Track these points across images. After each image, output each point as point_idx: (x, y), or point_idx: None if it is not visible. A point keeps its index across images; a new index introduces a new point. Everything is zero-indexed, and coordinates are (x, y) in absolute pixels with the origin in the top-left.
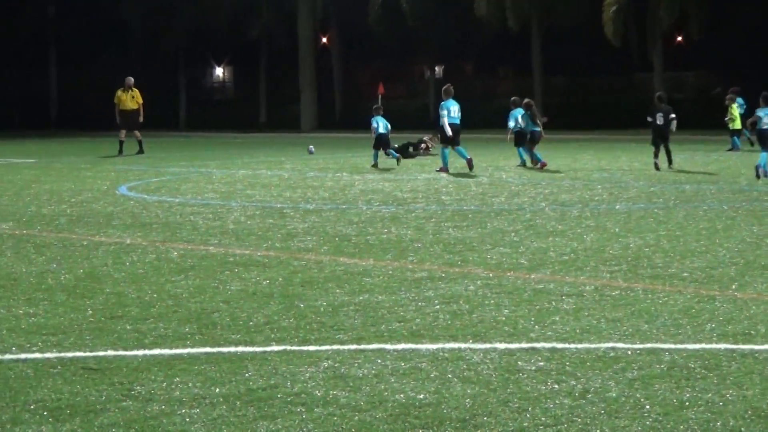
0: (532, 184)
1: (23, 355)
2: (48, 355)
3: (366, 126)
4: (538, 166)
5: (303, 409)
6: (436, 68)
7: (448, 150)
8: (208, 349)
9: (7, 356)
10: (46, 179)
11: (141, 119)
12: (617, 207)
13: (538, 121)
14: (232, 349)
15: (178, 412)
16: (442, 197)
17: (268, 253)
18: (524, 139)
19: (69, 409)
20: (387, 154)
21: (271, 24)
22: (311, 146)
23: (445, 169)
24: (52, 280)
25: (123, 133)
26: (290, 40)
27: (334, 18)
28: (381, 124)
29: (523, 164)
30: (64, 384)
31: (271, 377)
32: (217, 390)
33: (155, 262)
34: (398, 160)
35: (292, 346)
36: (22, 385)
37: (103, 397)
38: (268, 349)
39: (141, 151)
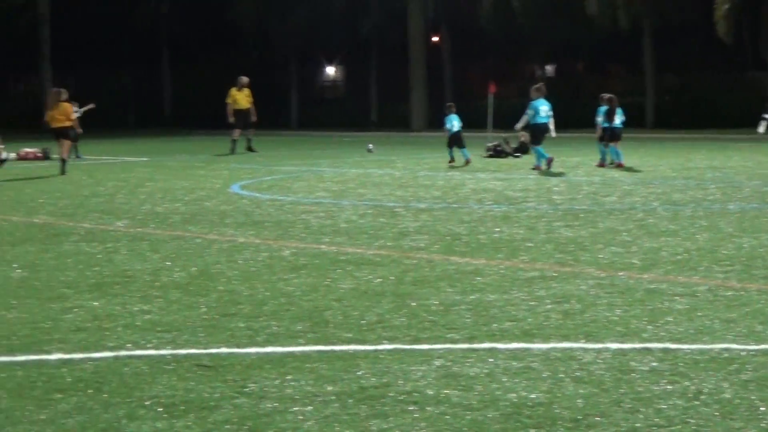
0: (644, 183)
1: (138, 352)
2: (162, 351)
3: (476, 125)
4: (614, 164)
5: (415, 408)
6: (547, 67)
7: (541, 147)
8: (320, 347)
9: (123, 352)
10: (159, 177)
11: (254, 118)
12: (730, 207)
13: (616, 118)
14: (344, 347)
15: (291, 410)
16: (553, 196)
17: (379, 252)
18: (612, 136)
19: (183, 405)
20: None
21: (382, 22)
22: (370, 144)
23: (545, 162)
24: (166, 277)
25: (237, 132)
26: (401, 39)
27: (444, 16)
28: (455, 123)
29: (610, 162)
30: (178, 380)
31: (383, 375)
32: (330, 388)
33: (268, 260)
34: (467, 161)
35: (403, 344)
36: (137, 381)
37: (217, 394)
38: (380, 347)
39: (253, 150)
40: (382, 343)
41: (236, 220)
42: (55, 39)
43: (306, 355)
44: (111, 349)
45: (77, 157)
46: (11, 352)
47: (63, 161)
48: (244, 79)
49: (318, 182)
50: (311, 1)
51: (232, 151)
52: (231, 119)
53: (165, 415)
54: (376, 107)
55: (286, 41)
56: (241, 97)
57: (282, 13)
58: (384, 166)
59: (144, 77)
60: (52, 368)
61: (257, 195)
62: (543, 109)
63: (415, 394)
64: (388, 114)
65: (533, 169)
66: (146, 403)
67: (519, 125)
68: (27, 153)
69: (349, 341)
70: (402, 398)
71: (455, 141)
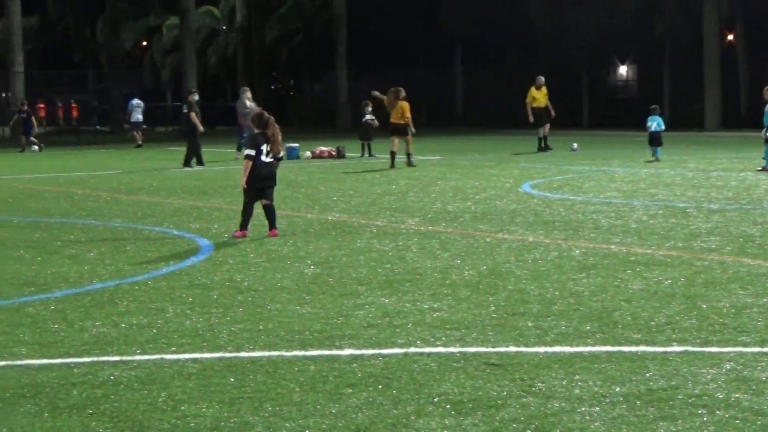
0: None
1: (427, 349)
2: (451, 349)
3: None
4: None
5: (704, 411)
6: None
7: None
8: (608, 348)
9: (412, 349)
10: (450, 176)
11: (553, 114)
12: None
13: None
14: (633, 348)
15: (578, 410)
16: None
17: (670, 253)
18: None
19: (471, 403)
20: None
21: (676, 22)
22: (575, 143)
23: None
24: (456, 275)
25: (542, 129)
26: (694, 38)
27: (740, 15)
28: (654, 123)
29: None
30: (466, 378)
31: (672, 378)
32: (617, 389)
33: (557, 260)
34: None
35: (693, 347)
36: (426, 379)
37: (504, 393)
38: (669, 349)
39: (548, 148)
40: (672, 345)
41: (526, 219)
42: (351, 39)
43: (594, 356)
44: (401, 345)
45: (371, 155)
46: (304, 346)
47: (392, 155)
48: (541, 80)
49: (609, 182)
50: (604, 1)
51: (541, 149)
52: (531, 118)
53: (453, 413)
54: (668, 107)
55: (579, 41)
56: (540, 96)
57: (575, 14)
58: (676, 166)
59: (437, 76)
60: (343, 363)
61: (547, 194)
62: None
63: (705, 397)
64: (681, 114)
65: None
66: (434, 400)
67: None
68: (321, 151)
69: (637, 342)
70: (691, 401)
71: (654, 140)
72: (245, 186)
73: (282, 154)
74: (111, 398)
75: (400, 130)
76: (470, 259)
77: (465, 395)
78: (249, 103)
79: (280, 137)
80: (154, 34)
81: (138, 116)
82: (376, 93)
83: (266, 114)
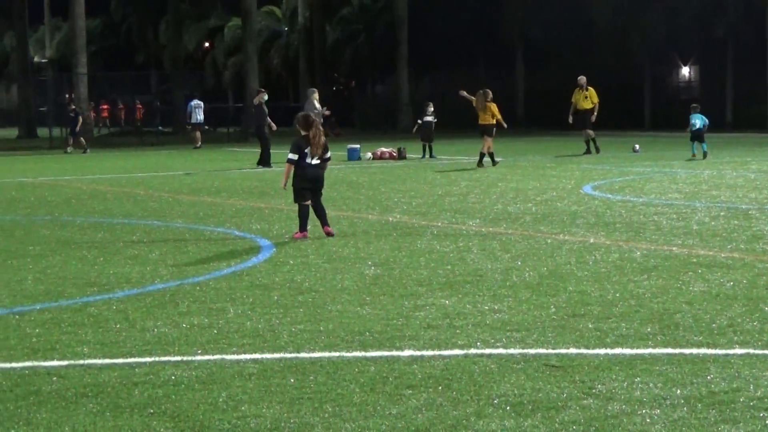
0: None
1: (488, 350)
2: (512, 350)
3: None
4: None
5: (766, 414)
6: None
7: None
8: (669, 350)
9: (472, 350)
10: (511, 177)
11: (593, 118)
12: None
13: None
14: (694, 350)
15: (639, 413)
16: None
17: (732, 255)
18: None
19: (531, 404)
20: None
21: (739, 22)
22: (636, 145)
23: None
24: (517, 277)
25: (588, 132)
26: (757, 39)
27: None
28: (698, 122)
29: None
30: (526, 380)
31: (734, 380)
32: (678, 391)
33: (618, 262)
34: (704, 154)
35: (755, 349)
36: (486, 380)
37: (564, 395)
38: (730, 351)
39: (597, 150)
40: (733, 348)
41: (587, 220)
42: (412, 40)
43: (655, 358)
44: (461, 347)
45: (431, 156)
46: (364, 347)
47: (482, 156)
48: (582, 79)
49: (670, 183)
50: (666, 2)
51: (589, 151)
52: (570, 120)
53: (512, 414)
54: (731, 108)
55: (641, 42)
56: (580, 98)
57: (637, 14)
58: (738, 167)
59: (498, 77)
60: (404, 365)
61: (609, 196)
62: None
63: (767, 399)
64: (744, 114)
65: None
66: (494, 401)
67: None
68: (382, 152)
69: (698, 345)
70: (753, 404)
71: (697, 137)
72: (284, 188)
73: (328, 155)
74: (172, 398)
75: (490, 131)
76: (531, 261)
77: (525, 397)
78: (317, 104)
79: (322, 139)
80: (216, 36)
81: (198, 117)
82: (464, 93)
83: (312, 116)
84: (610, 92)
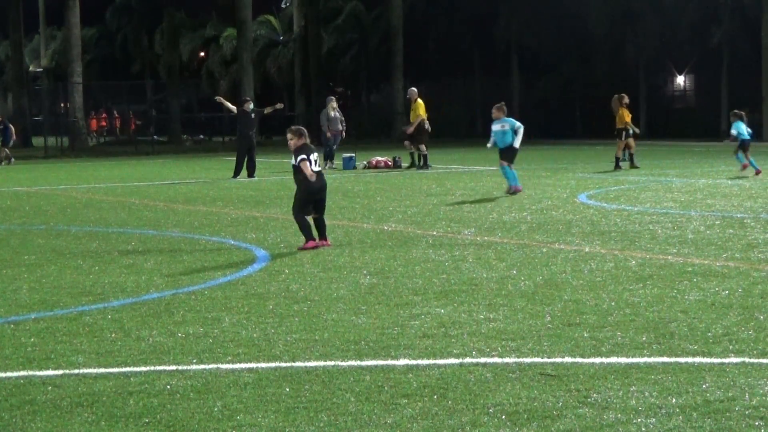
0: None
1: (483, 359)
2: (507, 359)
3: None
4: None
5: (761, 423)
6: None
7: None
8: (665, 359)
9: (468, 359)
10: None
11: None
12: None
13: None
14: (689, 359)
15: (634, 421)
16: None
17: (727, 264)
18: None
19: (526, 413)
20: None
21: (734, 31)
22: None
23: None
24: (512, 286)
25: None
26: (752, 48)
27: None
28: (743, 130)
29: None
30: (521, 389)
31: (729, 389)
32: (674, 400)
33: (613, 271)
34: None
35: (750, 358)
36: (482, 389)
37: (560, 404)
38: (726, 360)
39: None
40: (729, 356)
41: (582, 229)
42: (408, 49)
43: (650, 367)
44: (456, 356)
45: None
46: (359, 356)
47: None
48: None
49: (666, 192)
50: (662, 11)
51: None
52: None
53: (508, 423)
54: (726, 117)
55: (636, 51)
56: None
57: (632, 23)
58: (734, 176)
59: (493, 85)
60: (399, 374)
61: (604, 205)
62: None
63: (762, 408)
64: None
65: None
66: (490, 410)
67: None
68: (378, 161)
69: (694, 353)
70: (748, 413)
71: (743, 147)
72: (312, 177)
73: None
74: (167, 407)
75: (619, 133)
76: (526, 270)
77: (520, 406)
78: (332, 113)
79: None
80: (212, 45)
81: None
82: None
83: (302, 129)
84: (605, 101)
